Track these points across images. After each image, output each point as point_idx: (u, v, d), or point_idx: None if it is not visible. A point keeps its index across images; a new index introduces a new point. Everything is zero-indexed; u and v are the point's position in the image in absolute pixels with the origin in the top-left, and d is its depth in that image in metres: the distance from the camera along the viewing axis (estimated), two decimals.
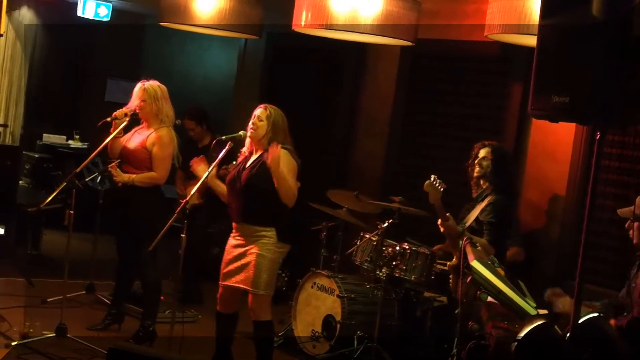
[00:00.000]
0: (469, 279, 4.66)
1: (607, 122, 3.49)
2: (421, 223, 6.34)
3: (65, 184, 5.63)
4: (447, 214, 5.29)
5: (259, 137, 5.16)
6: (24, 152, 8.93)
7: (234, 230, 5.26)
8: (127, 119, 5.86)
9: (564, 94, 3.37)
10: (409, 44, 6.22)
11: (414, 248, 6.12)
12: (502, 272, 4.53)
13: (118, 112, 5.87)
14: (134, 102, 5.90)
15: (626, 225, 4.54)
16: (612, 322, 4.33)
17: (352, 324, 6.08)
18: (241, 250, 5.14)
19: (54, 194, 5.69)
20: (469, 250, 4.68)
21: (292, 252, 5.31)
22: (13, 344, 5.48)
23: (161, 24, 7.46)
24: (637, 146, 6.11)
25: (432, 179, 5.26)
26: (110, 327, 6.19)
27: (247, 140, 5.28)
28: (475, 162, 5.60)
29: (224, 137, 5.34)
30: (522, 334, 4.22)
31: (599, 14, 3.27)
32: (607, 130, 3.60)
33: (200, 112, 7.28)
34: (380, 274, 6.18)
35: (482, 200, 5.54)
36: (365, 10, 5.75)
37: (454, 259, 5.34)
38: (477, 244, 4.91)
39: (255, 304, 5.14)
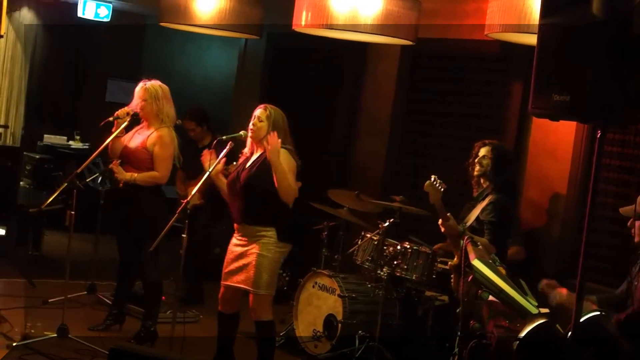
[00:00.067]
0: (470, 278, 4.67)
1: (608, 121, 3.49)
2: (422, 222, 6.34)
3: (66, 184, 5.63)
4: (448, 214, 5.29)
5: (260, 137, 5.15)
6: (24, 152, 8.92)
7: (235, 231, 5.26)
8: (129, 118, 5.86)
9: (565, 92, 3.37)
10: (410, 43, 6.22)
11: (415, 247, 6.12)
12: (503, 271, 4.53)
13: (120, 112, 5.88)
14: (135, 102, 5.90)
15: (628, 223, 4.54)
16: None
17: (354, 323, 6.08)
18: (242, 250, 5.15)
19: (55, 194, 5.69)
20: (470, 249, 4.68)
21: (293, 251, 5.31)
22: (14, 344, 5.49)
23: (161, 24, 7.46)
24: (638, 144, 6.11)
25: (432, 179, 5.26)
26: (112, 328, 6.19)
27: (248, 141, 5.28)
28: (476, 161, 5.60)
29: (224, 137, 5.35)
30: (524, 332, 4.22)
31: (599, 13, 3.27)
32: (607, 128, 3.61)
33: (200, 112, 7.28)
34: (382, 273, 6.18)
35: (483, 199, 5.54)
36: (365, 10, 5.74)
37: (455, 258, 5.34)
38: (478, 243, 4.91)
39: (256, 304, 5.14)
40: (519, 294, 4.36)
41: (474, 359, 4.39)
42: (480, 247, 4.83)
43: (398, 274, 6.15)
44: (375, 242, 6.28)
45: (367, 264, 6.35)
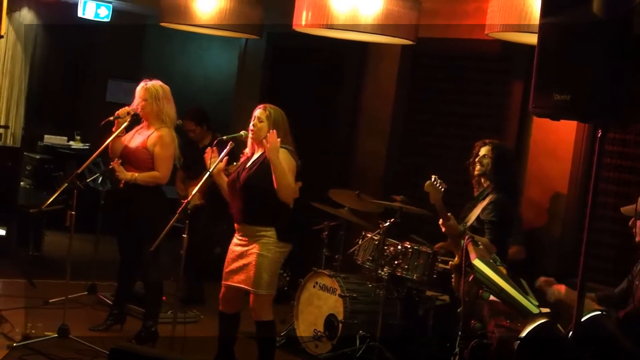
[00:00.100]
0: (471, 277, 4.67)
1: (609, 120, 3.49)
2: (423, 222, 6.33)
3: (66, 184, 5.63)
4: (449, 214, 5.29)
5: (260, 138, 5.15)
6: (25, 153, 8.93)
7: (236, 231, 5.26)
8: (129, 118, 5.86)
9: (565, 92, 3.37)
10: (410, 43, 6.22)
11: (415, 247, 6.12)
12: (504, 271, 4.53)
13: (121, 111, 5.88)
14: (136, 102, 5.90)
15: (629, 223, 4.54)
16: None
17: (354, 323, 6.08)
18: (242, 250, 5.14)
19: (56, 194, 5.69)
20: (470, 249, 4.68)
21: (293, 251, 5.31)
22: (15, 344, 5.48)
23: (161, 24, 7.46)
24: (639, 144, 6.11)
25: (432, 179, 5.26)
26: (113, 328, 6.19)
27: (249, 141, 5.28)
28: (476, 160, 5.60)
29: (225, 137, 5.35)
30: (525, 332, 4.22)
31: (599, 13, 3.27)
32: (608, 128, 3.60)
33: (200, 112, 7.27)
34: (382, 273, 6.18)
35: (484, 198, 5.53)
36: (365, 10, 5.74)
37: (456, 258, 5.34)
38: (479, 243, 4.91)
39: (256, 304, 5.14)
40: (519, 294, 4.36)
41: (475, 358, 4.39)
42: (481, 246, 4.83)
43: (399, 274, 6.15)
44: (376, 242, 6.27)
45: (368, 263, 6.35)
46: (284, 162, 5.06)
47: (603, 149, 3.54)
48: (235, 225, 5.25)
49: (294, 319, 6.43)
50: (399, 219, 6.15)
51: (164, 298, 6.14)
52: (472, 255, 4.59)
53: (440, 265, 6.10)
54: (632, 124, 5.52)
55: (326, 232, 6.82)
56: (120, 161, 5.83)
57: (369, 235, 6.36)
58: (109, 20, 9.63)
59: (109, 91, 11.03)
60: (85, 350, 5.57)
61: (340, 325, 6.07)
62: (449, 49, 7.35)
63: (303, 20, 5.99)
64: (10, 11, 8.81)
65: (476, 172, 5.62)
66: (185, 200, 5.15)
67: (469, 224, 5.46)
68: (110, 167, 5.87)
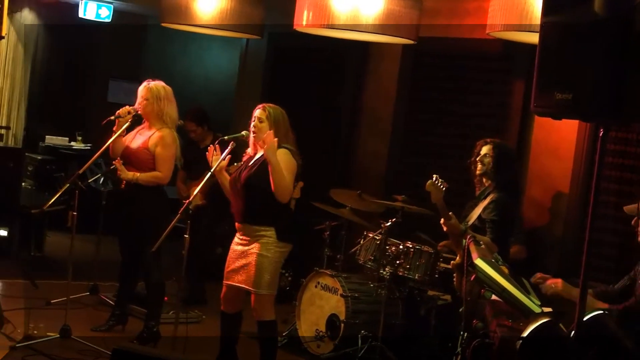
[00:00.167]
0: (473, 277, 4.66)
1: (610, 119, 3.49)
2: (424, 222, 6.33)
3: (68, 185, 5.63)
4: (450, 213, 5.29)
5: (261, 138, 5.14)
6: (26, 153, 8.93)
7: (237, 230, 5.26)
8: (131, 117, 5.86)
9: (567, 91, 3.36)
10: (411, 42, 6.22)
11: (417, 247, 6.12)
12: (505, 270, 4.53)
13: (121, 111, 5.87)
14: (138, 101, 5.90)
15: (632, 222, 4.53)
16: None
17: (356, 323, 6.08)
18: (243, 249, 5.15)
19: (57, 195, 5.69)
20: (472, 248, 4.67)
21: (295, 251, 5.31)
22: (17, 345, 5.49)
23: (162, 24, 7.46)
24: None
25: (434, 178, 5.26)
26: (114, 328, 6.18)
27: (251, 141, 5.27)
28: (478, 159, 5.60)
29: (226, 137, 5.34)
30: (527, 332, 4.22)
31: (601, 11, 3.26)
32: (610, 127, 3.59)
33: (200, 113, 7.27)
34: (384, 272, 6.18)
35: (485, 198, 5.53)
36: (366, 9, 5.74)
37: (458, 257, 5.33)
38: (481, 242, 4.90)
39: (257, 303, 5.14)
40: (521, 293, 4.35)
41: (477, 358, 4.39)
42: (483, 246, 4.82)
43: (400, 274, 6.14)
44: (378, 242, 6.27)
45: (370, 263, 6.34)
46: (284, 162, 5.05)
47: (605, 147, 3.54)
48: (236, 224, 5.25)
49: (295, 319, 6.43)
50: (401, 218, 6.15)
51: (165, 298, 6.14)
52: (474, 254, 4.59)
53: (442, 264, 6.10)
54: (633, 122, 5.51)
55: (328, 232, 6.82)
56: (121, 161, 5.83)
57: (371, 235, 6.36)
58: (109, 20, 9.63)
59: (110, 91, 11.04)
60: (87, 351, 5.57)
61: (342, 325, 6.07)
62: (450, 49, 7.34)
63: (304, 20, 5.99)
64: (11, 12, 8.81)
65: (477, 172, 5.61)
66: (187, 201, 5.15)
67: (470, 223, 5.46)
68: (112, 167, 5.87)
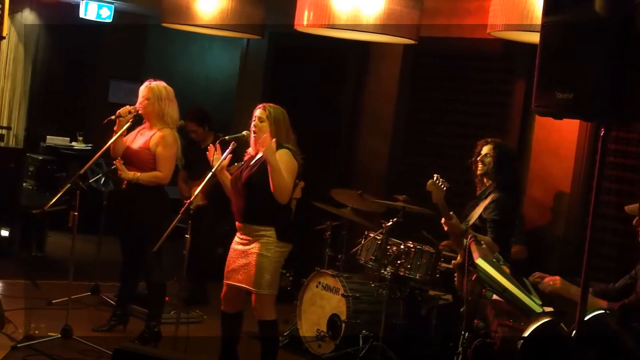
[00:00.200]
0: (474, 277, 4.65)
1: (611, 119, 3.48)
2: (426, 221, 6.33)
3: (69, 185, 5.63)
4: (451, 213, 5.28)
5: (259, 140, 5.14)
6: (27, 154, 8.93)
7: (237, 230, 5.26)
8: (131, 116, 5.86)
9: (568, 90, 3.36)
10: (412, 42, 6.22)
11: (418, 246, 6.12)
12: (507, 270, 4.52)
13: (122, 110, 5.87)
14: (139, 101, 5.90)
15: (634, 222, 4.52)
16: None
17: (357, 323, 6.08)
18: (243, 249, 5.15)
19: (58, 195, 5.70)
20: (473, 248, 4.67)
21: (296, 251, 5.31)
22: (18, 345, 5.49)
23: (163, 24, 7.46)
24: None
25: (434, 178, 5.26)
26: (116, 328, 6.19)
27: (252, 141, 5.27)
28: (478, 159, 5.60)
29: (227, 137, 5.34)
30: (528, 331, 4.21)
31: (602, 11, 3.26)
32: (611, 126, 3.59)
33: (201, 113, 7.27)
34: (385, 272, 6.17)
35: (486, 197, 5.53)
36: (367, 9, 5.74)
37: (459, 257, 5.33)
38: (482, 242, 4.90)
39: (258, 303, 5.14)
40: (523, 293, 4.35)
41: (478, 358, 4.39)
42: (484, 245, 4.82)
43: (402, 274, 6.15)
44: (379, 242, 6.27)
45: (371, 263, 6.35)
46: (284, 162, 5.05)
47: (606, 147, 3.53)
48: (237, 224, 5.25)
49: (296, 319, 6.43)
50: (402, 218, 6.15)
51: (167, 298, 6.14)
52: (475, 254, 4.58)
53: (443, 264, 6.10)
54: (635, 122, 5.51)
55: (329, 232, 6.82)
56: (122, 161, 5.83)
57: (372, 235, 6.36)
58: (110, 20, 9.63)
59: (111, 92, 11.04)
60: (88, 351, 5.57)
61: (343, 325, 6.07)
62: (451, 48, 7.34)
63: (305, 20, 5.99)
64: (12, 12, 8.82)
65: (478, 171, 5.61)
66: (188, 201, 5.15)
67: (471, 222, 5.45)
68: (113, 167, 5.87)
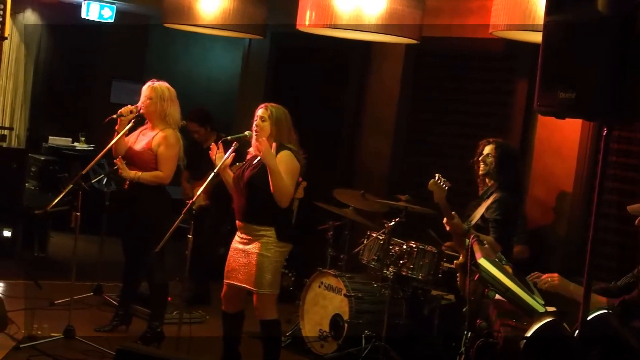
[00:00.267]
0: (477, 276, 4.65)
1: (614, 118, 3.48)
2: (428, 221, 6.33)
3: (71, 186, 5.63)
4: (453, 213, 5.28)
5: (264, 137, 5.14)
6: (29, 154, 8.94)
7: (238, 229, 5.26)
8: (133, 116, 5.85)
9: (570, 90, 3.35)
10: (414, 42, 6.21)
11: (421, 246, 6.11)
12: (509, 270, 4.52)
13: (124, 109, 5.87)
14: (141, 100, 5.90)
15: (636, 222, 4.52)
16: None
17: (360, 323, 6.07)
18: (244, 248, 5.14)
19: (61, 196, 5.69)
20: (476, 248, 4.67)
21: (298, 251, 5.31)
22: (21, 345, 5.49)
23: (165, 24, 7.46)
24: None
25: (436, 177, 5.26)
26: (118, 329, 6.19)
27: (253, 141, 5.27)
28: (480, 159, 5.60)
29: (229, 138, 5.34)
30: (531, 331, 4.20)
31: (604, 10, 3.25)
32: (613, 126, 3.59)
33: (202, 113, 7.27)
34: (388, 272, 6.17)
35: (488, 197, 5.53)
36: (369, 9, 5.74)
37: (461, 257, 5.33)
38: (484, 242, 4.90)
39: (259, 303, 5.14)
40: (525, 293, 4.34)
41: (480, 358, 4.38)
42: (486, 245, 4.82)
43: (404, 274, 6.14)
44: (381, 242, 6.27)
45: (373, 263, 6.34)
46: (285, 163, 5.05)
47: (608, 147, 3.53)
48: (237, 223, 5.25)
49: (299, 319, 6.43)
50: (404, 218, 6.15)
51: (169, 299, 6.14)
52: (478, 254, 4.58)
53: (446, 264, 6.10)
54: (637, 121, 5.50)
55: (331, 232, 6.82)
56: (123, 161, 5.83)
57: (374, 235, 6.36)
58: (112, 21, 9.63)
59: (113, 92, 11.04)
60: (91, 351, 5.58)
61: (346, 325, 6.07)
62: (453, 48, 7.34)
63: (307, 20, 5.99)
64: (14, 13, 8.82)
65: (480, 172, 5.61)
66: (191, 201, 5.15)
67: (473, 222, 5.46)
68: (115, 167, 5.88)
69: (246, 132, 5.30)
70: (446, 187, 5.25)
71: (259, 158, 5.19)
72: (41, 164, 9.03)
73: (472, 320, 4.64)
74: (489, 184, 5.59)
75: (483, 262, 4.46)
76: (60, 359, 5.42)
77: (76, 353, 5.53)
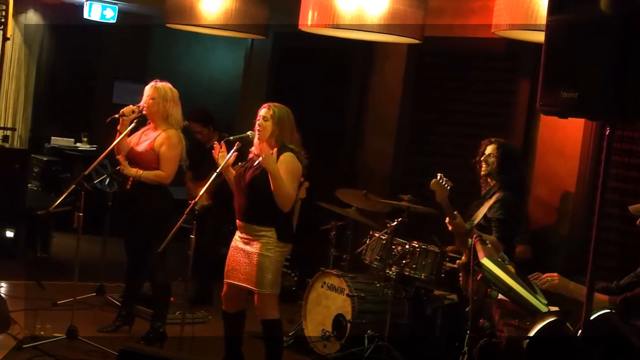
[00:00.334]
0: (480, 276, 4.65)
1: (617, 118, 3.47)
2: (430, 221, 6.32)
3: (74, 186, 5.64)
4: (455, 212, 5.28)
5: (266, 137, 5.14)
6: (32, 155, 8.94)
7: (238, 229, 5.26)
8: (135, 116, 5.85)
9: (573, 89, 3.35)
10: (416, 41, 6.21)
11: (423, 246, 6.11)
12: (512, 270, 4.52)
13: (126, 109, 5.87)
14: (144, 100, 5.90)
15: (637, 222, 4.51)
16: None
17: (363, 323, 6.07)
18: (244, 248, 5.14)
19: (63, 196, 5.69)
20: (478, 247, 4.66)
21: (301, 251, 5.31)
22: (24, 346, 5.49)
23: (167, 25, 7.46)
24: None
25: (438, 177, 5.25)
26: (121, 329, 6.19)
27: (255, 141, 5.27)
28: (482, 159, 5.59)
29: (232, 138, 5.34)
30: (534, 331, 4.20)
31: (607, 10, 3.25)
32: (616, 125, 3.58)
33: (204, 114, 7.27)
34: (390, 272, 6.17)
35: (490, 197, 5.53)
36: (371, 9, 5.74)
37: (464, 257, 5.33)
38: (487, 241, 4.90)
39: (261, 303, 5.14)
40: (528, 292, 4.34)
41: (483, 357, 4.38)
42: (489, 245, 4.81)
43: (407, 273, 6.14)
44: (384, 242, 6.27)
45: (376, 263, 6.34)
46: (287, 165, 5.04)
47: (611, 146, 3.53)
48: (237, 222, 5.24)
49: (302, 319, 6.43)
50: (407, 218, 6.15)
51: (172, 299, 6.14)
52: (480, 253, 4.57)
53: (448, 264, 6.09)
54: (639, 120, 5.50)
55: (333, 232, 6.82)
56: (126, 161, 5.83)
57: (377, 235, 6.36)
58: (114, 21, 9.64)
59: (115, 92, 11.05)
60: (93, 352, 5.58)
61: (349, 325, 6.07)
62: (455, 48, 7.34)
63: (309, 20, 5.99)
64: (16, 13, 8.83)
65: (482, 172, 5.61)
66: (193, 201, 5.15)
67: (475, 222, 5.45)
68: (118, 167, 5.88)
69: (248, 133, 5.30)
70: (448, 187, 5.25)
71: (260, 159, 5.19)
72: (43, 164, 9.03)
73: (475, 320, 4.64)
74: (491, 184, 5.59)
75: (486, 261, 4.46)
76: (63, 359, 5.42)
77: (79, 353, 5.53)
